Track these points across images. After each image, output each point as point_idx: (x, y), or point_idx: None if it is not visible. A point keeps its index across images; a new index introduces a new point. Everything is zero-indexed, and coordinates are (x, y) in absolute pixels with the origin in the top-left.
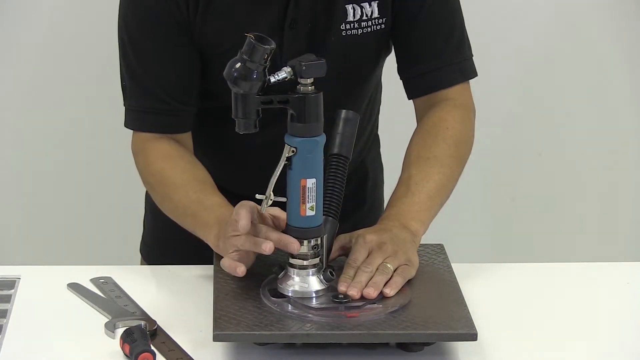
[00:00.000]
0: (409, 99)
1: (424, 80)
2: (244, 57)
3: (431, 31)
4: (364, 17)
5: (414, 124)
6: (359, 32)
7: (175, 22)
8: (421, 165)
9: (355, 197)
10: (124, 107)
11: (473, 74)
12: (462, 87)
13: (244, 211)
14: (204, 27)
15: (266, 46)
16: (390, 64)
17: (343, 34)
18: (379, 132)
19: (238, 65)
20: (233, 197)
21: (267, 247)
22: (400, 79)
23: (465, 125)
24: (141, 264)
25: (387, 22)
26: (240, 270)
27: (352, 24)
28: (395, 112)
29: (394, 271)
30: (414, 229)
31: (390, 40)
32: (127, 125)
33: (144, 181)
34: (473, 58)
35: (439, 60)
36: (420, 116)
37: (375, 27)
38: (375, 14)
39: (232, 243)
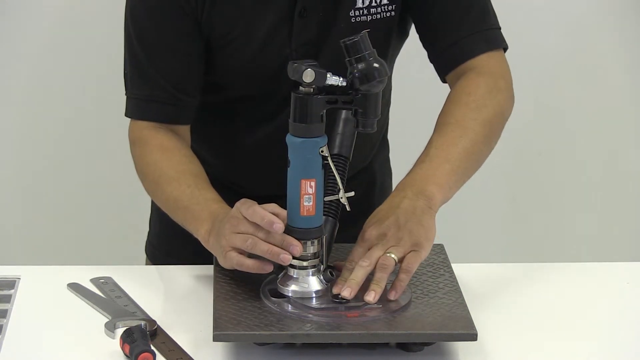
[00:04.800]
0: (443, 81)
1: (447, 55)
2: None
3: (450, 5)
4: (373, 4)
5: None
6: (368, 19)
7: (182, 11)
8: (442, 131)
9: (363, 202)
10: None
11: (501, 43)
12: (488, 56)
13: (260, 209)
14: (212, 16)
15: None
16: (399, 64)
17: (352, 20)
18: (388, 136)
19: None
20: (233, 192)
21: (286, 259)
22: (431, 62)
23: (491, 90)
24: (146, 264)
25: (396, 9)
26: (270, 267)
27: (361, 11)
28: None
29: (401, 262)
30: (429, 193)
31: (408, 25)
32: (127, 114)
33: (138, 170)
34: (501, 30)
35: (460, 32)
36: None
37: (384, 13)
38: (385, 1)
39: (247, 245)
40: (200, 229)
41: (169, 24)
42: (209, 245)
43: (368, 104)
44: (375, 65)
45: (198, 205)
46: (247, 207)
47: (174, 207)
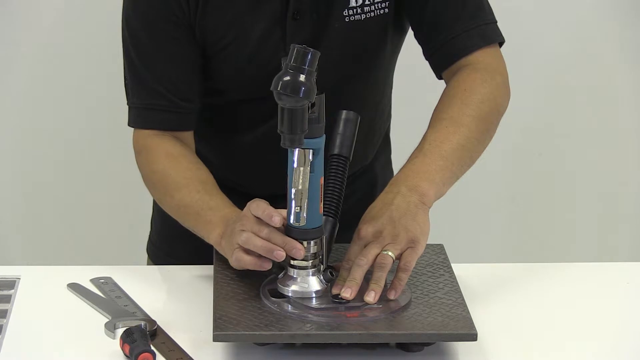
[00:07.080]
0: (438, 78)
1: (443, 52)
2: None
3: (444, 1)
4: (367, 2)
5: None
6: (363, 18)
7: (175, 19)
8: (437, 127)
9: (365, 203)
10: (127, 107)
11: (497, 37)
12: (484, 52)
13: (265, 205)
14: (205, 21)
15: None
16: (406, 62)
17: (346, 20)
18: (390, 138)
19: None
20: (238, 194)
21: (280, 255)
22: (426, 59)
23: (487, 85)
24: (148, 264)
25: (390, 6)
26: (268, 264)
27: (355, 10)
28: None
29: (399, 259)
30: (422, 189)
31: (405, 22)
32: (130, 123)
33: (145, 179)
34: (497, 24)
35: (455, 29)
36: None
37: (378, 11)
38: None
39: (242, 239)
40: (212, 233)
41: (163, 32)
42: (221, 247)
43: (281, 115)
44: (287, 78)
45: (210, 210)
46: (252, 202)
47: (184, 214)
